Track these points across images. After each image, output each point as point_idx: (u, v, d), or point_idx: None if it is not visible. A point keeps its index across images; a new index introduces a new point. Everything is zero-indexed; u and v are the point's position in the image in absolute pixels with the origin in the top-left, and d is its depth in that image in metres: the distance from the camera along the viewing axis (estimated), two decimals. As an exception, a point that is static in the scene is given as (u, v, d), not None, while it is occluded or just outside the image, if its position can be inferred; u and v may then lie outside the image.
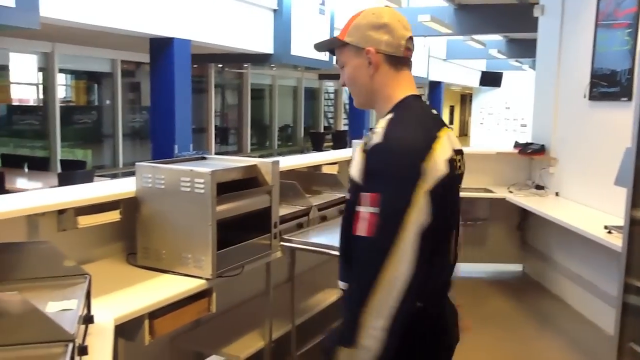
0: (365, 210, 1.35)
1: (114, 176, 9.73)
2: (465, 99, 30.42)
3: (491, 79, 21.63)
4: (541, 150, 5.27)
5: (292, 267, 3.03)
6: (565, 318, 4.63)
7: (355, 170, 1.43)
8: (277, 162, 2.75)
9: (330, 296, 3.89)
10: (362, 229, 1.35)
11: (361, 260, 1.36)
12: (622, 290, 2.93)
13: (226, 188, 2.49)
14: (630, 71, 3.99)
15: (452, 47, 17.24)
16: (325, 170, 4.27)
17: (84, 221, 2.38)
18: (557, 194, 5.08)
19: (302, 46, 9.14)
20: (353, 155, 1.54)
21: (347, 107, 18.46)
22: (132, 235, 2.60)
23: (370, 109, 1.60)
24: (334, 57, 1.65)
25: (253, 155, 13.87)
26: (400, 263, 1.31)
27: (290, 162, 3.73)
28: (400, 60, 1.52)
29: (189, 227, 2.41)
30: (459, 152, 1.53)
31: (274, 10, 8.71)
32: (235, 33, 8.08)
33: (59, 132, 8.84)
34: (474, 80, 21.41)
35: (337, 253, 2.29)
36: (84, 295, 1.75)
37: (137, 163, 2.53)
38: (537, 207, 4.71)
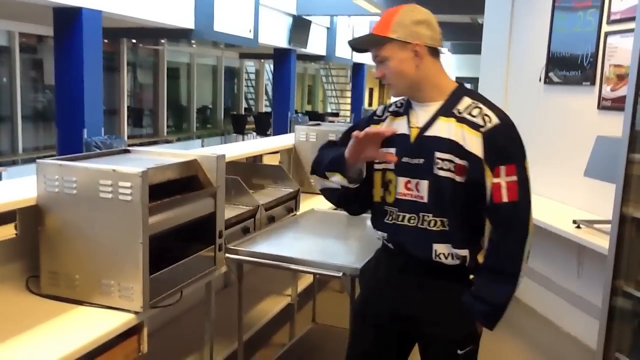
0: (504, 180, 1.60)
1: (13, 163, 8.70)
2: (384, 81, 30.45)
3: (411, 62, 21.65)
4: (489, 136, 4.99)
5: (240, 284, 2.52)
6: (520, 314, 4.39)
7: (476, 148, 1.61)
8: (223, 157, 2.22)
9: (276, 304, 3.42)
10: (505, 195, 1.60)
11: (511, 219, 1.63)
12: (609, 294, 2.65)
13: (157, 190, 1.93)
14: (594, 54, 3.74)
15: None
16: (266, 160, 3.76)
17: (-37, 242, 1.75)
18: (506, 183, 4.82)
19: (226, 22, 8.47)
20: (444, 132, 1.66)
21: (269, 88, 17.84)
22: (33, 254, 1.99)
23: (409, 96, 1.74)
24: (355, 52, 1.84)
25: (170, 139, 13.01)
26: (532, 213, 1.64)
27: (229, 152, 3.17)
28: (438, 51, 1.71)
29: (111, 246, 1.84)
30: None
31: (195, -18, 7.99)
32: (152, 5, 7.30)
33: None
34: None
35: (294, 267, 2.29)
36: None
37: (38, 160, 1.92)
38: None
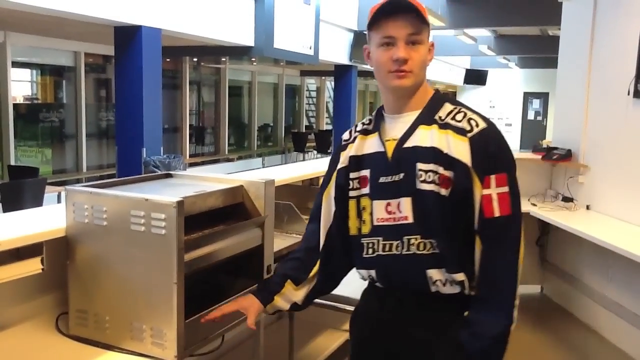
0: (495, 192, 1.44)
1: (77, 182, 8.84)
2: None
3: (476, 77, 21.01)
4: (568, 155, 4.57)
5: (290, 322, 2.27)
6: (600, 351, 3.94)
7: (463, 154, 1.44)
8: (272, 182, 1.98)
9: (332, 341, 3.13)
10: (497, 208, 1.44)
11: (504, 235, 1.45)
12: None
13: (198, 221, 1.71)
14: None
15: (436, 43, 16.55)
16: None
17: (-20, 279, 1.57)
18: (587, 207, 4.38)
19: (286, 39, 8.34)
20: (426, 140, 1.48)
21: (330, 105, 17.71)
22: (64, 289, 1.80)
23: (397, 99, 1.54)
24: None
25: (231, 158, 13.03)
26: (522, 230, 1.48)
27: (282, 175, 2.94)
28: None
29: (143, 285, 1.62)
30: None
31: (255, -1, 7.90)
32: (212, 22, 7.25)
33: (12, 133, 7.90)
34: (457, 78, 20.77)
35: (349, 307, 2.06)
36: None
37: (67, 187, 1.73)
38: (568, 223, 4.01)
